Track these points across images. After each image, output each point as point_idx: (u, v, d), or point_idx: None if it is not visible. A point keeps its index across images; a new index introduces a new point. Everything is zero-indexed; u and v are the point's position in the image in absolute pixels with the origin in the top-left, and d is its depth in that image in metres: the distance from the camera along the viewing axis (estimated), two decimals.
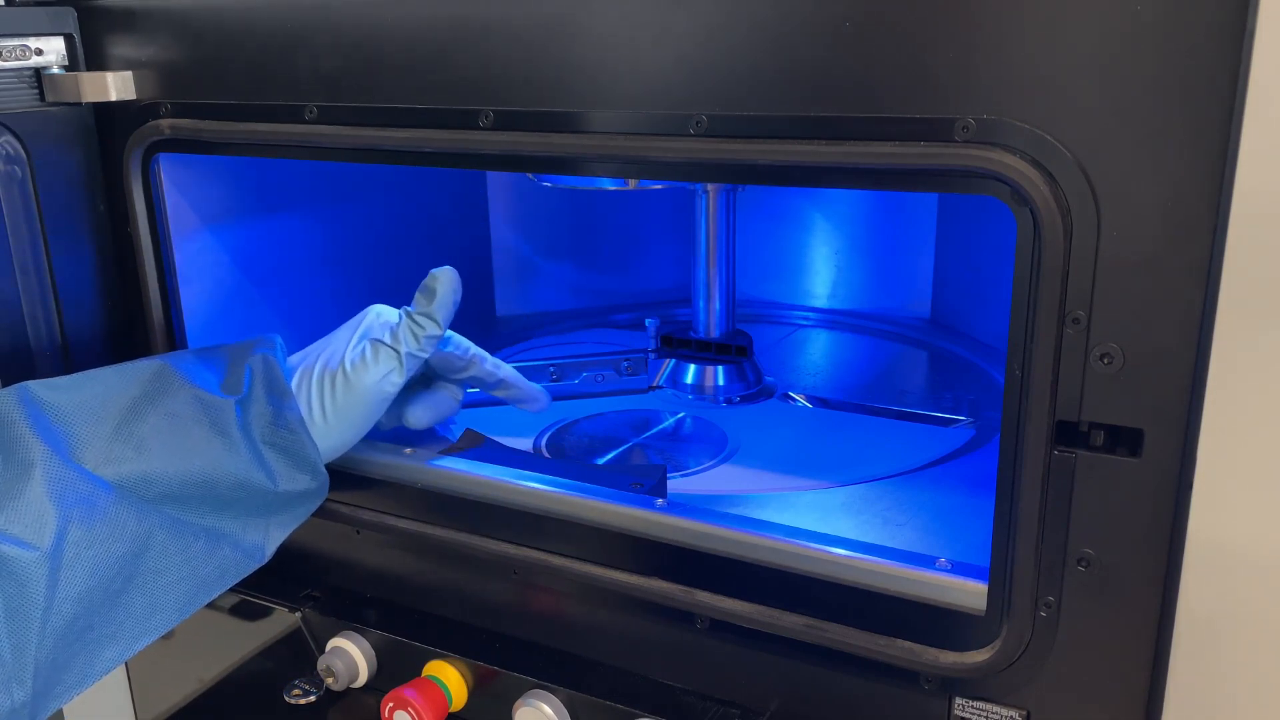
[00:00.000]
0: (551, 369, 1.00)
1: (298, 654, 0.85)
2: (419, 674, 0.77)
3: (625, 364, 1.01)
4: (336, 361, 0.74)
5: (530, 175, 0.94)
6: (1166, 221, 0.51)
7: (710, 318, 1.02)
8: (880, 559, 0.65)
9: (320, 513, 0.75)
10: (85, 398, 0.64)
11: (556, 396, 0.99)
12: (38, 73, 0.81)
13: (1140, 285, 0.52)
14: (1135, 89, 0.50)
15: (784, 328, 1.23)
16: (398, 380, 0.76)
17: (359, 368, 0.74)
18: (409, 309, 0.78)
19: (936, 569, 0.63)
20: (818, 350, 1.17)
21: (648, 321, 1.02)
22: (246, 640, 0.88)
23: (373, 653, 0.81)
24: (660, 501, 0.73)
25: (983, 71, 0.53)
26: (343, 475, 0.81)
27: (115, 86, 0.81)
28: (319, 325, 0.99)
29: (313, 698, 0.79)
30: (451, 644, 0.78)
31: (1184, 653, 0.56)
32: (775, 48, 0.58)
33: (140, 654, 0.64)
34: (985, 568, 0.61)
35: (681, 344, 1.02)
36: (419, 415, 0.83)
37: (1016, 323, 0.56)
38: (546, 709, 0.72)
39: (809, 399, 1.00)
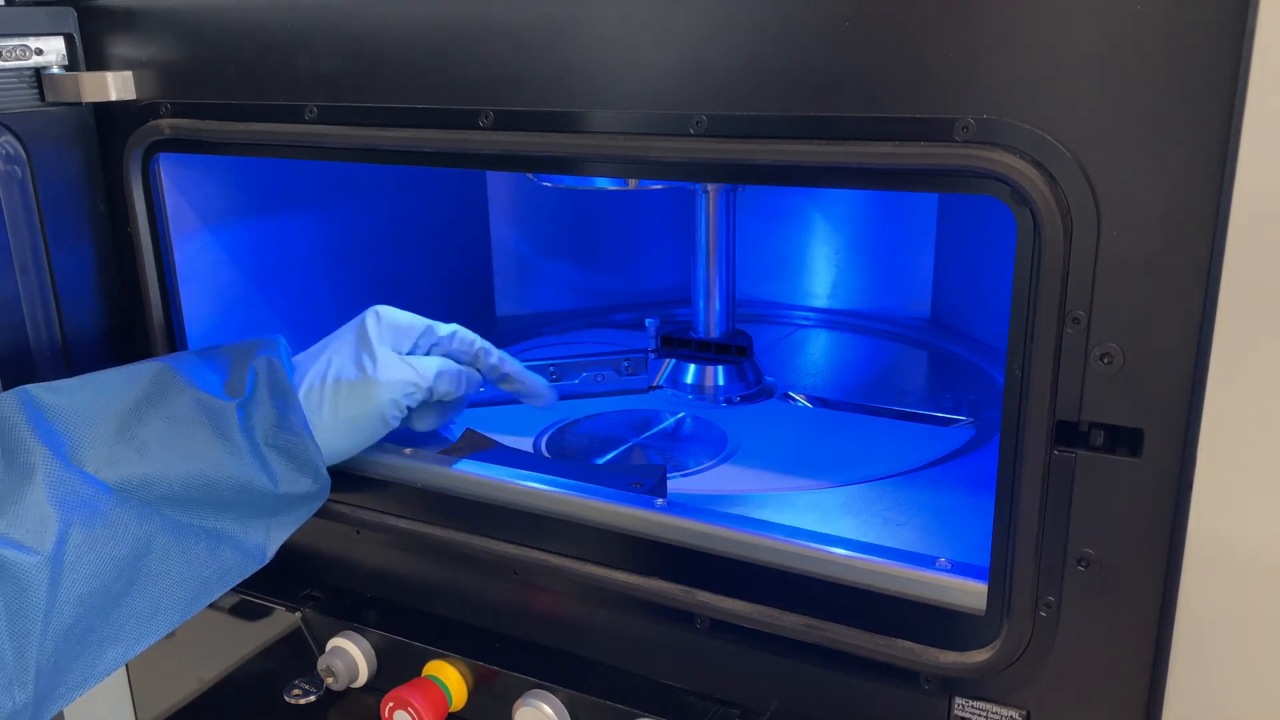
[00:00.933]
0: (551, 369, 1.00)
1: (298, 654, 0.85)
2: (419, 674, 0.77)
3: (625, 364, 1.01)
4: (354, 368, 0.74)
5: (530, 175, 0.94)
6: (1166, 221, 0.51)
7: (710, 318, 1.02)
8: (880, 559, 0.65)
9: (320, 513, 0.75)
10: (86, 401, 0.64)
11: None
12: (38, 73, 0.81)
13: (1140, 285, 0.52)
14: (1135, 89, 0.50)
15: (784, 328, 1.23)
16: (413, 405, 0.77)
17: (380, 384, 0.74)
18: (458, 357, 0.80)
19: (936, 569, 0.63)
20: (818, 350, 1.17)
21: (648, 321, 1.02)
22: (246, 640, 0.88)
23: (373, 653, 0.81)
24: (660, 501, 0.73)
25: (983, 71, 0.53)
26: (343, 475, 0.80)
27: (115, 86, 0.81)
28: (319, 325, 0.99)
29: (313, 698, 0.79)
30: (451, 644, 0.78)
31: (1184, 653, 0.56)
32: (775, 48, 0.58)
33: (140, 654, 0.65)
34: (985, 568, 0.61)
35: (681, 344, 1.02)
36: (425, 418, 0.83)
37: (1016, 323, 0.56)
38: (546, 709, 0.72)
39: (809, 399, 1.00)
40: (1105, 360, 0.54)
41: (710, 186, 0.97)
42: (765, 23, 0.58)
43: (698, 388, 1.01)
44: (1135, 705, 0.58)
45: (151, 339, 0.87)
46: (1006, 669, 0.61)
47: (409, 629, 0.80)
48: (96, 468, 0.62)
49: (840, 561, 0.65)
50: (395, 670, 0.80)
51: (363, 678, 0.81)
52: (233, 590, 0.70)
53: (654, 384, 1.02)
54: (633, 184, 0.90)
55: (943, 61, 0.54)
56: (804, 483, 0.81)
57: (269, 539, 0.70)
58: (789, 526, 0.69)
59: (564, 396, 1.00)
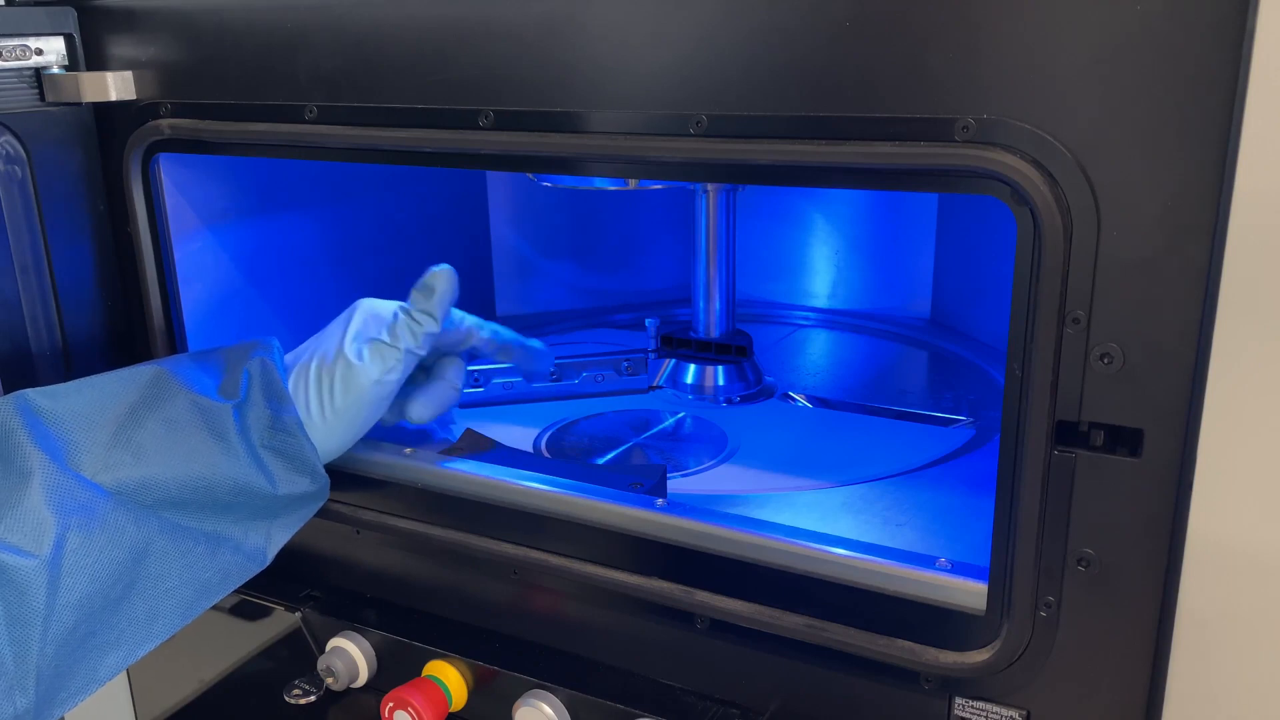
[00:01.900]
0: (551, 369, 1.00)
1: (298, 654, 0.85)
2: (419, 674, 0.77)
3: (625, 364, 1.01)
4: (332, 360, 0.74)
5: (530, 175, 0.94)
6: (1166, 221, 0.51)
7: (710, 318, 1.02)
8: (880, 559, 0.65)
9: (320, 513, 0.75)
10: (82, 405, 0.64)
11: (556, 397, 1.00)
12: (38, 73, 0.81)
13: (1140, 285, 0.52)
14: (1135, 89, 0.50)
15: (784, 328, 1.23)
16: (396, 378, 0.75)
17: (356, 367, 0.74)
18: (406, 305, 0.78)
19: (936, 569, 0.63)
20: (818, 350, 1.17)
21: (648, 321, 1.02)
22: (246, 640, 0.88)
23: (373, 653, 0.81)
24: (660, 501, 0.73)
25: (983, 71, 0.53)
26: (343, 475, 0.81)
27: (115, 86, 0.81)
28: (319, 325, 0.99)
29: (313, 698, 0.79)
30: (451, 644, 0.78)
31: (1184, 653, 0.56)
32: (775, 47, 0.58)
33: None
34: (985, 568, 0.61)
35: (681, 344, 1.02)
36: (420, 409, 0.82)
37: (1016, 323, 0.56)
38: (546, 709, 0.72)
39: (809, 399, 1.00)
40: (1105, 360, 0.54)
41: (710, 186, 0.97)
42: (765, 23, 0.58)
43: (698, 388, 1.01)
44: (1135, 705, 0.58)
45: (151, 339, 0.87)
46: (1006, 669, 0.61)
47: (409, 629, 0.80)
48: (93, 472, 0.62)
49: (840, 561, 0.65)
50: (395, 670, 0.80)
51: (363, 678, 0.81)
52: (233, 590, 0.70)
53: (654, 384, 1.02)
54: (633, 184, 0.90)
55: (943, 61, 0.54)
56: (804, 483, 0.81)
57: (269, 541, 0.70)
58: (789, 526, 0.69)
59: (564, 396, 1.00)
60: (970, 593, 0.62)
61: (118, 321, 0.88)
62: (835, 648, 0.65)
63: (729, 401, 1.00)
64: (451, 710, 0.76)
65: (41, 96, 0.81)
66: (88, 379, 0.66)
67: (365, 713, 0.81)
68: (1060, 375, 0.55)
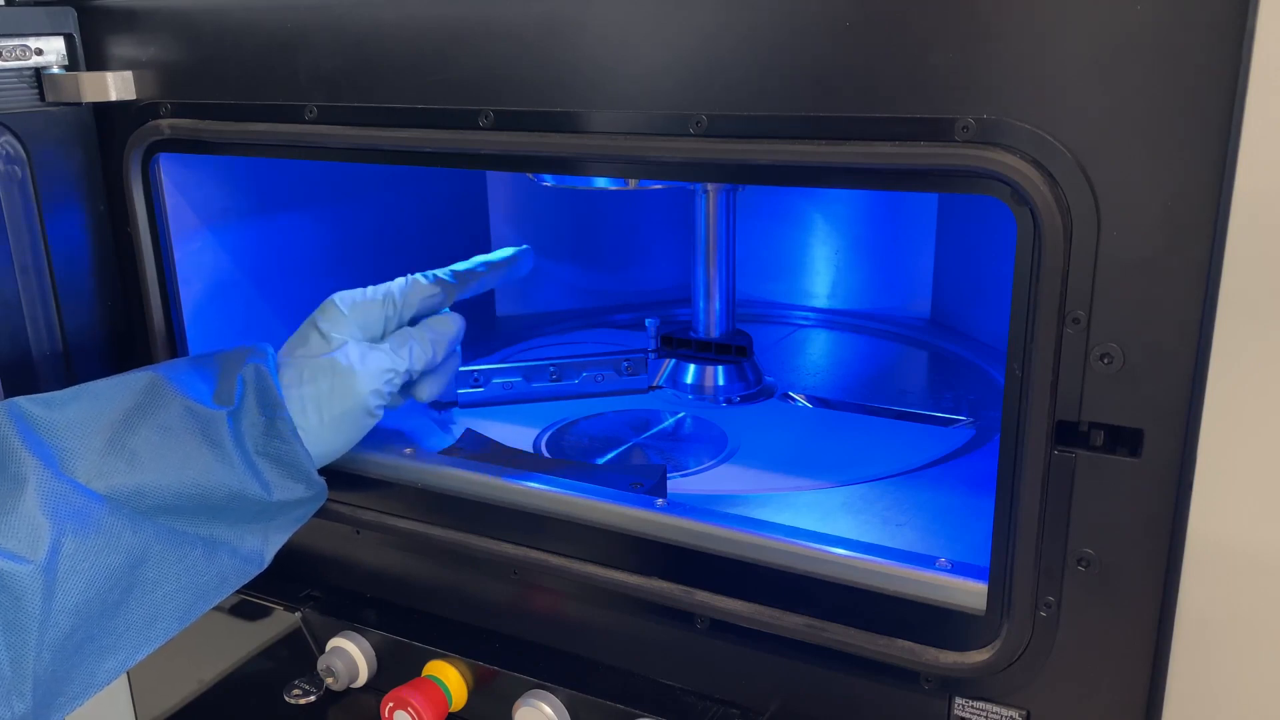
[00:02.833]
0: (551, 369, 1.00)
1: (298, 654, 0.85)
2: (419, 674, 0.77)
3: (625, 364, 1.01)
4: (328, 368, 0.74)
5: (530, 175, 0.94)
6: (1166, 221, 0.51)
7: (710, 318, 1.02)
8: (880, 559, 0.65)
9: (320, 513, 0.75)
10: (76, 412, 0.64)
11: (556, 397, 1.00)
12: (38, 73, 0.81)
13: (1140, 285, 0.52)
14: (1135, 89, 0.50)
15: (784, 328, 1.23)
16: (394, 390, 0.77)
17: (358, 375, 0.74)
18: (390, 293, 0.79)
19: (936, 569, 0.63)
20: (818, 350, 1.17)
21: (648, 321, 1.02)
22: (246, 640, 0.88)
23: (373, 653, 0.81)
24: (660, 501, 0.73)
25: (983, 71, 0.53)
26: (343, 475, 0.81)
27: (115, 86, 0.81)
28: None
29: (313, 698, 0.79)
30: (451, 644, 0.78)
31: (1184, 653, 0.56)
32: (775, 47, 0.58)
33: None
34: (985, 568, 0.61)
35: (681, 344, 1.02)
36: (426, 388, 0.83)
37: (1016, 323, 0.56)
38: (546, 709, 0.72)
39: (809, 399, 1.00)
40: (1105, 360, 0.54)
41: (710, 186, 0.97)
42: (766, 23, 0.58)
43: (698, 388, 1.01)
44: (1135, 705, 0.58)
45: (151, 339, 0.87)
46: (1006, 669, 0.61)
47: (409, 629, 0.80)
48: (88, 478, 0.62)
49: (840, 561, 0.65)
50: (395, 670, 0.80)
51: (363, 678, 0.81)
52: (231, 594, 0.70)
53: (654, 384, 1.02)
54: (633, 184, 0.90)
55: (943, 62, 0.54)
56: (804, 483, 0.81)
57: (267, 544, 0.70)
58: (789, 526, 0.69)
59: (564, 396, 1.00)
60: (970, 593, 0.62)
61: (117, 321, 0.88)
62: (835, 648, 0.65)
63: (729, 401, 1.00)
64: (451, 710, 0.76)
65: (41, 96, 0.81)
66: (81, 386, 0.66)
67: (365, 713, 0.81)
68: (1060, 375, 0.55)
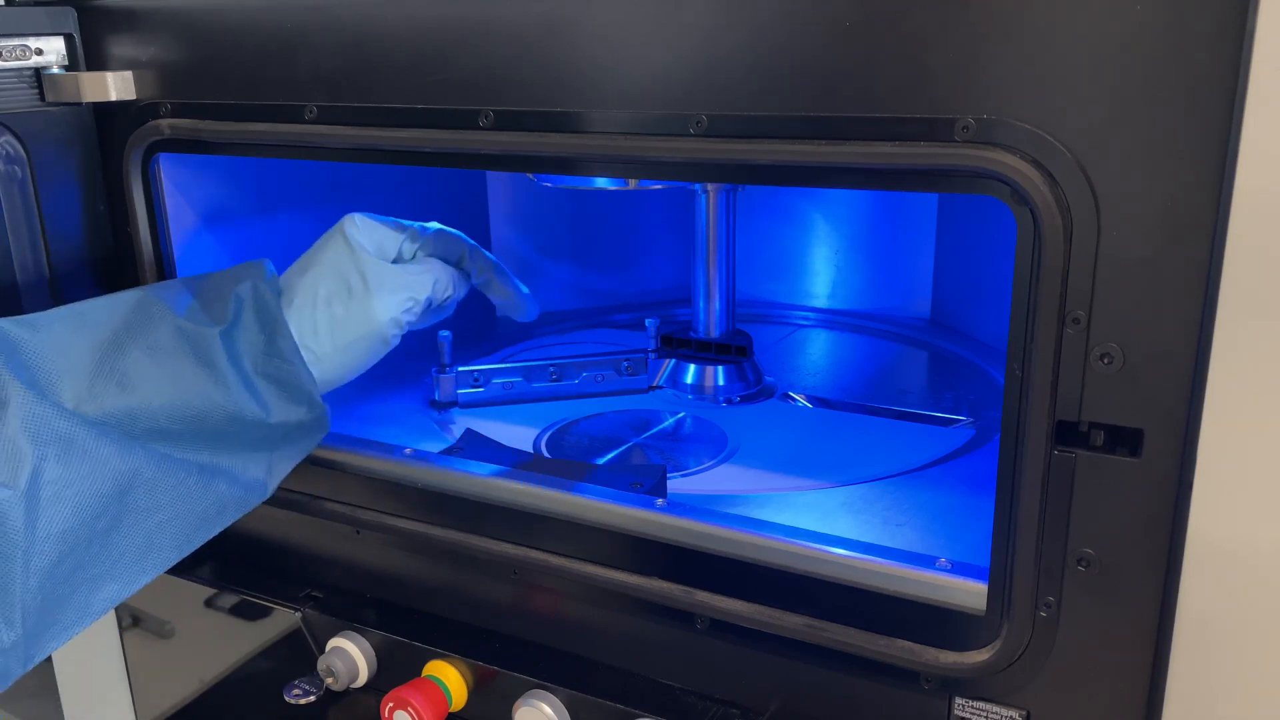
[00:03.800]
0: (551, 369, 1.00)
1: (298, 654, 0.85)
2: (419, 674, 0.77)
3: (625, 364, 1.01)
4: (345, 289, 0.71)
5: (530, 175, 0.94)
6: (1166, 221, 0.51)
7: (710, 318, 1.02)
8: (880, 559, 0.65)
9: (320, 513, 0.75)
10: (62, 333, 0.61)
11: (556, 397, 1.00)
12: (38, 73, 0.81)
13: (1140, 285, 0.52)
14: (1135, 89, 0.50)
15: (784, 328, 1.23)
16: (413, 320, 0.75)
17: (376, 304, 0.72)
18: (416, 230, 0.77)
19: (936, 569, 0.63)
20: (818, 350, 1.17)
21: (648, 321, 1.02)
22: (246, 640, 0.88)
23: (373, 653, 0.81)
24: (660, 501, 0.73)
25: (983, 71, 0.53)
26: (343, 475, 0.81)
27: (115, 86, 0.81)
28: None
29: (313, 698, 0.79)
30: (451, 644, 0.78)
31: (1184, 653, 0.56)
32: (776, 47, 0.58)
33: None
34: (985, 568, 0.61)
35: (681, 344, 1.02)
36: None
37: (1016, 323, 0.56)
38: (546, 709, 0.72)
39: (809, 399, 1.00)
40: (1105, 360, 0.54)
41: (710, 186, 0.97)
42: (765, 22, 0.58)
43: (698, 388, 1.01)
44: (1135, 705, 0.58)
45: None
46: (1006, 669, 0.61)
47: (409, 629, 0.80)
48: (76, 402, 0.60)
49: (840, 561, 0.65)
50: (395, 670, 0.80)
51: (363, 678, 0.81)
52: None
53: (654, 384, 1.02)
54: (633, 184, 0.90)
55: (943, 61, 0.54)
56: (804, 483, 0.81)
57: (270, 473, 0.68)
58: (789, 526, 0.69)
59: (564, 396, 1.00)
60: (970, 593, 0.62)
61: None
62: (835, 648, 0.65)
63: (729, 401, 1.00)
64: (451, 710, 0.76)
65: (41, 96, 0.81)
66: (68, 307, 0.64)
67: (365, 713, 0.81)
68: (1060, 375, 0.55)
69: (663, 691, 0.73)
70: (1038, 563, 0.58)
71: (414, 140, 0.70)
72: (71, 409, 0.59)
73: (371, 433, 0.88)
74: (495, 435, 0.89)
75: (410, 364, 1.04)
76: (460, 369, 0.97)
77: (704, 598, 0.69)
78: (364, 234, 0.75)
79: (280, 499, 0.84)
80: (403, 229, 0.78)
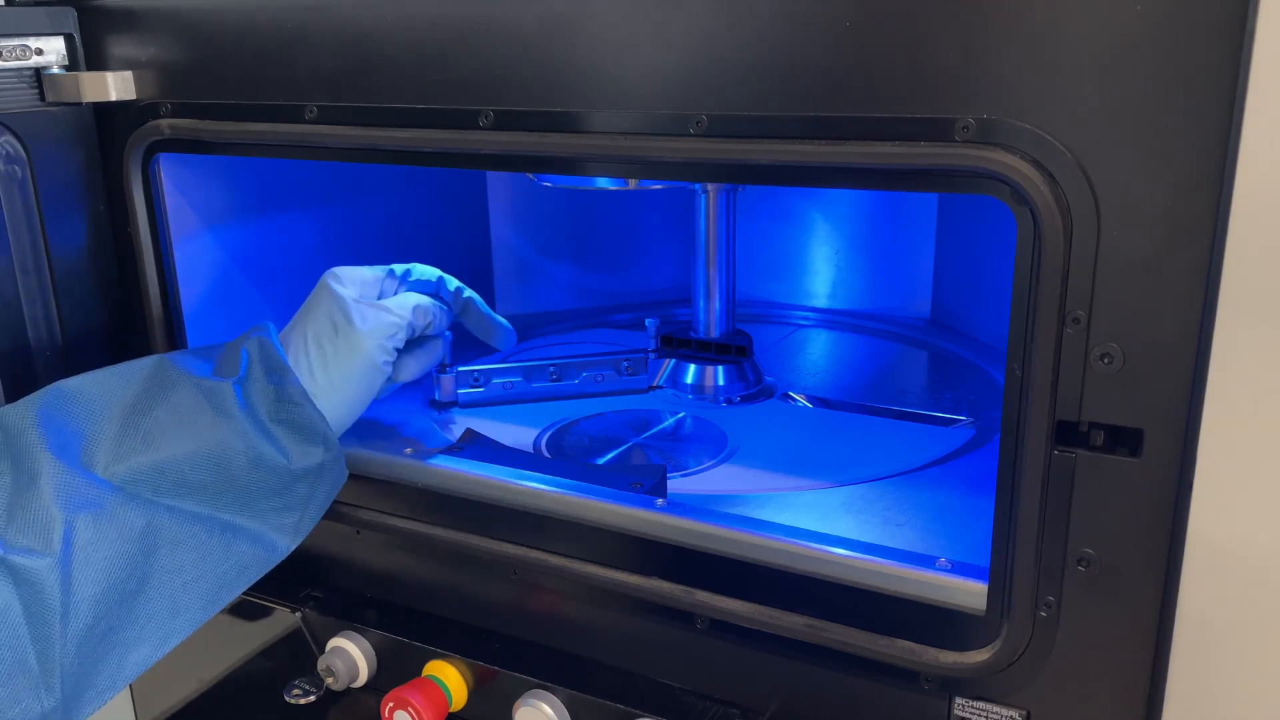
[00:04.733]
0: (551, 369, 1.00)
1: (298, 654, 0.85)
2: (419, 674, 0.77)
3: (625, 364, 1.01)
4: (331, 328, 0.75)
5: (530, 175, 0.94)
6: (1166, 221, 0.51)
7: (710, 318, 1.02)
8: (880, 559, 0.65)
9: None
10: (88, 401, 0.64)
11: (556, 397, 1.00)
12: (38, 73, 0.81)
13: (1140, 285, 0.52)
14: (1135, 89, 0.50)
15: (784, 328, 1.23)
16: (398, 345, 0.78)
17: (360, 332, 0.75)
18: (391, 271, 0.81)
19: (936, 569, 0.63)
20: (818, 350, 1.17)
21: (648, 321, 1.02)
22: (246, 640, 0.88)
23: (373, 653, 0.81)
24: (660, 501, 0.73)
25: (983, 71, 0.53)
26: None
27: (115, 86, 0.81)
28: None
29: (313, 698, 0.79)
30: (451, 644, 0.78)
31: (1184, 653, 0.56)
32: (776, 48, 0.58)
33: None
34: (985, 568, 0.61)
35: (681, 344, 1.02)
36: (408, 368, 0.84)
37: (1016, 323, 0.56)
38: (546, 709, 0.72)
39: (809, 399, 1.00)
40: (1105, 360, 0.54)
41: (710, 186, 0.97)
42: (766, 23, 0.58)
43: (698, 388, 1.01)
44: (1135, 705, 0.58)
45: (151, 338, 0.87)
46: (1006, 669, 0.61)
47: (409, 629, 0.80)
48: (106, 463, 0.62)
49: (840, 561, 0.65)
50: (395, 670, 0.80)
51: (363, 678, 0.81)
52: (254, 583, 0.70)
53: (654, 384, 1.02)
54: (633, 184, 0.90)
55: (943, 61, 0.54)
56: (804, 483, 0.81)
57: (288, 531, 0.70)
58: (789, 526, 0.69)
59: (564, 396, 1.00)
60: (970, 593, 0.62)
61: (117, 321, 0.88)
62: (835, 648, 0.65)
63: (729, 401, 1.00)
64: (451, 710, 0.76)
65: (41, 96, 0.81)
66: (89, 374, 0.66)
67: (365, 713, 0.81)
68: (1060, 375, 0.55)
69: (663, 691, 0.73)
70: (1038, 563, 0.58)
71: (414, 140, 0.70)
72: (101, 473, 0.62)
73: (372, 433, 0.88)
74: (495, 435, 0.89)
75: None
76: (460, 369, 0.97)
77: (704, 598, 0.69)
78: (345, 282, 0.79)
79: None
80: (379, 271, 0.82)
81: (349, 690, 0.81)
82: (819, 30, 0.56)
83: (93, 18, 0.81)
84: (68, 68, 0.82)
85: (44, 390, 0.64)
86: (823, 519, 0.74)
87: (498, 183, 1.23)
